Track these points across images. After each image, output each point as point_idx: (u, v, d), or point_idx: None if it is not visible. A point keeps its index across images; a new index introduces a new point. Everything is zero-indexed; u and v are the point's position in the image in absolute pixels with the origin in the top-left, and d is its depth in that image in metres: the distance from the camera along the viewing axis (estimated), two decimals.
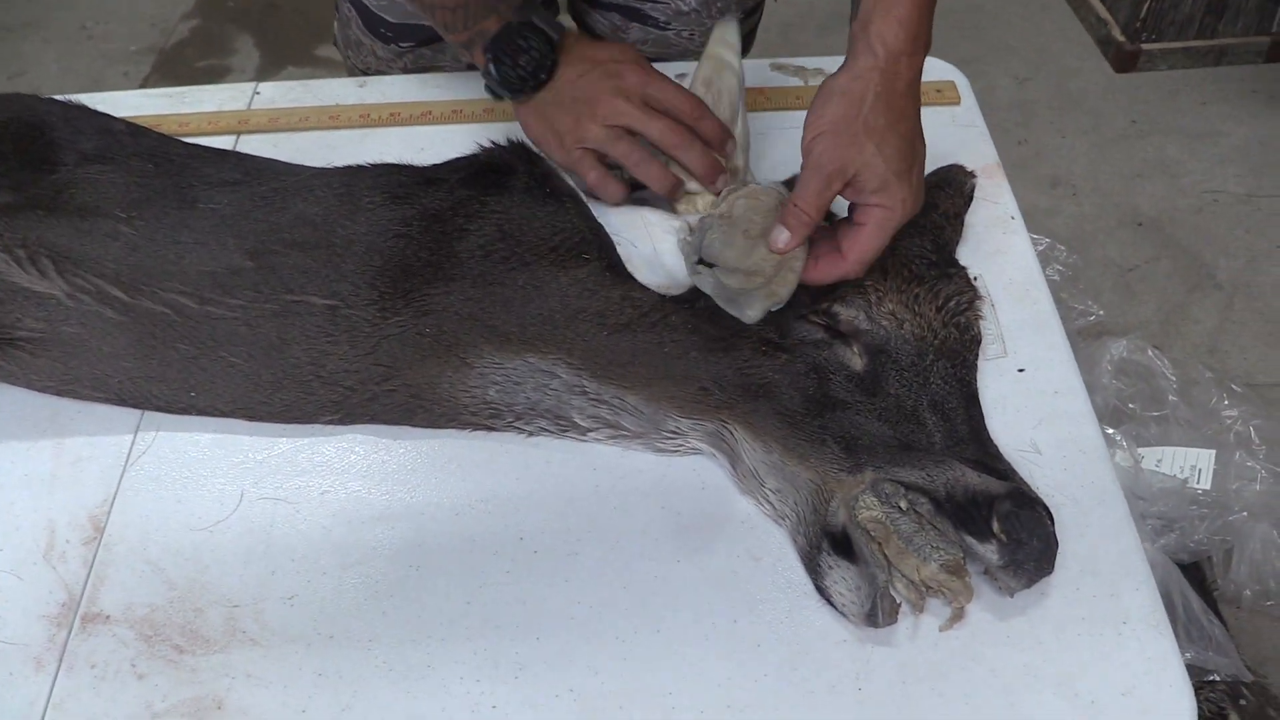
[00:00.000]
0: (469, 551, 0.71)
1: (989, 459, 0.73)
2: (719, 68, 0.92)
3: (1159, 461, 1.39)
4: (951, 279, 0.83)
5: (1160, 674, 0.65)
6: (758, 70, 1.05)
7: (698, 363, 0.78)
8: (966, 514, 0.69)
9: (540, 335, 0.80)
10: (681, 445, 0.76)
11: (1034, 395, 0.79)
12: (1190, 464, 1.38)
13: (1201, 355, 1.96)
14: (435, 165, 0.92)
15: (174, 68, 2.71)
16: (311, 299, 0.82)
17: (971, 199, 0.90)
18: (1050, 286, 0.87)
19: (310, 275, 0.83)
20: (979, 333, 0.80)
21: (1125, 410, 1.57)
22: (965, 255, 0.86)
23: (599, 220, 0.87)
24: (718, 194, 0.89)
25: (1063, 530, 0.69)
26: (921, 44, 0.72)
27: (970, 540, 0.68)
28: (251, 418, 0.79)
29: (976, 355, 0.80)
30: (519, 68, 0.88)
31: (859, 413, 0.76)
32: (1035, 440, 0.76)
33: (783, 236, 0.75)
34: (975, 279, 0.85)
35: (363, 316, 0.81)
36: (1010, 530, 0.68)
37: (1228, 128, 2.40)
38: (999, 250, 0.88)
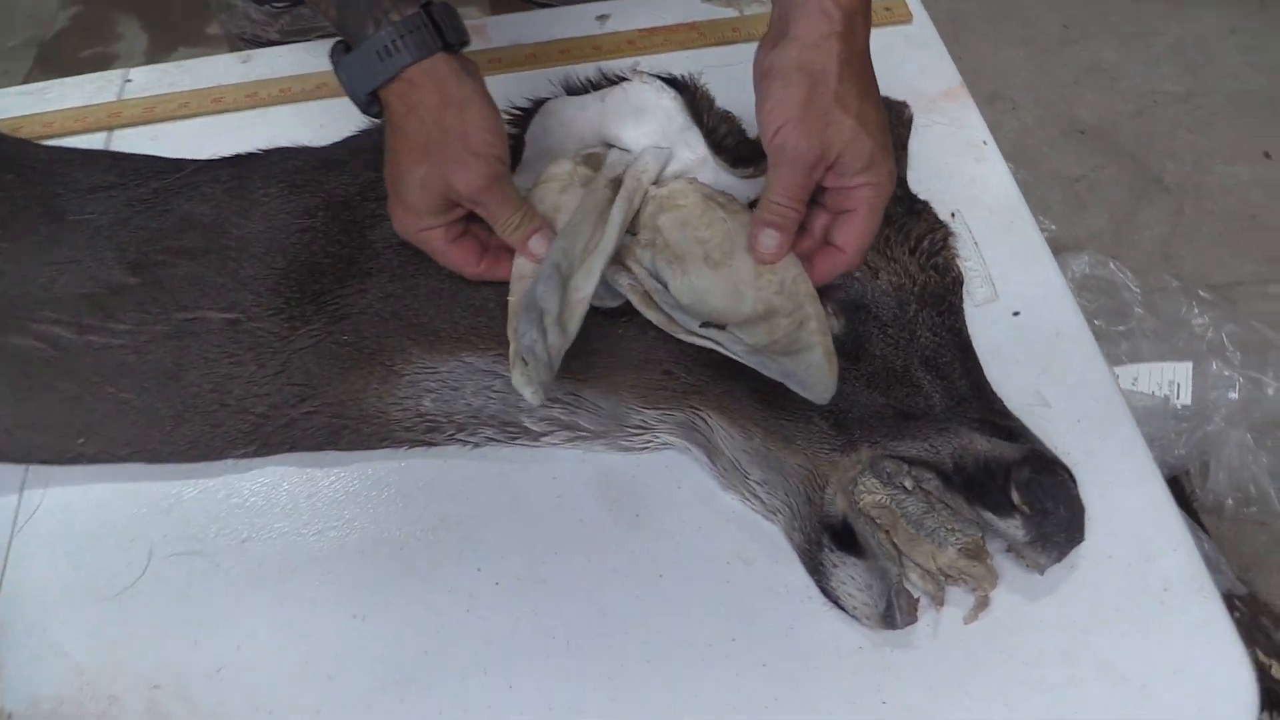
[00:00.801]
0: (421, 591, 0.62)
1: (996, 417, 0.65)
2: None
3: (1135, 380, 1.34)
4: (919, 216, 0.74)
5: (1211, 644, 0.58)
6: (687, 3, 0.95)
7: (658, 344, 0.69)
8: (980, 486, 0.61)
9: (475, 329, 0.70)
10: (650, 441, 0.67)
11: (1033, 340, 0.71)
12: (1168, 379, 1.32)
13: (1156, 262, 1.92)
14: (336, 144, 0.81)
15: (58, 61, 2.51)
16: (208, 314, 0.71)
17: (910, 127, 0.81)
18: None
19: (204, 286, 0.72)
20: (960, 273, 0.72)
21: (1092, 327, 1.51)
22: (938, 189, 0.78)
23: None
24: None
25: (1084, 491, 0.62)
26: None
27: (989, 516, 0.60)
28: (153, 460, 0.68)
29: (962, 299, 0.71)
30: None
31: (845, 380, 0.67)
32: (1041, 391, 0.68)
33: (770, 239, 0.63)
34: (952, 215, 0.77)
35: (269, 329, 0.70)
36: (1033, 500, 0.60)
37: (1160, 26, 2.34)
38: (974, 180, 0.80)
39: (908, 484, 0.62)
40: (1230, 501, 1.51)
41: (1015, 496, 0.61)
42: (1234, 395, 1.36)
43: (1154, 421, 1.32)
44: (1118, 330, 1.54)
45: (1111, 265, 1.53)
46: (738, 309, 0.65)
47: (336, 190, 0.77)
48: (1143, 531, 0.63)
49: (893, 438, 0.64)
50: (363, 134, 0.81)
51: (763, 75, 0.62)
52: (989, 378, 0.68)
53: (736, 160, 0.73)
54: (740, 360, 0.63)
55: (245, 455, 0.68)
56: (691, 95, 0.73)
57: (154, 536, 0.65)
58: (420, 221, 0.66)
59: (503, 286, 0.69)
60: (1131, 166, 2.08)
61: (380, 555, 0.63)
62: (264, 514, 0.65)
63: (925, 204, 0.74)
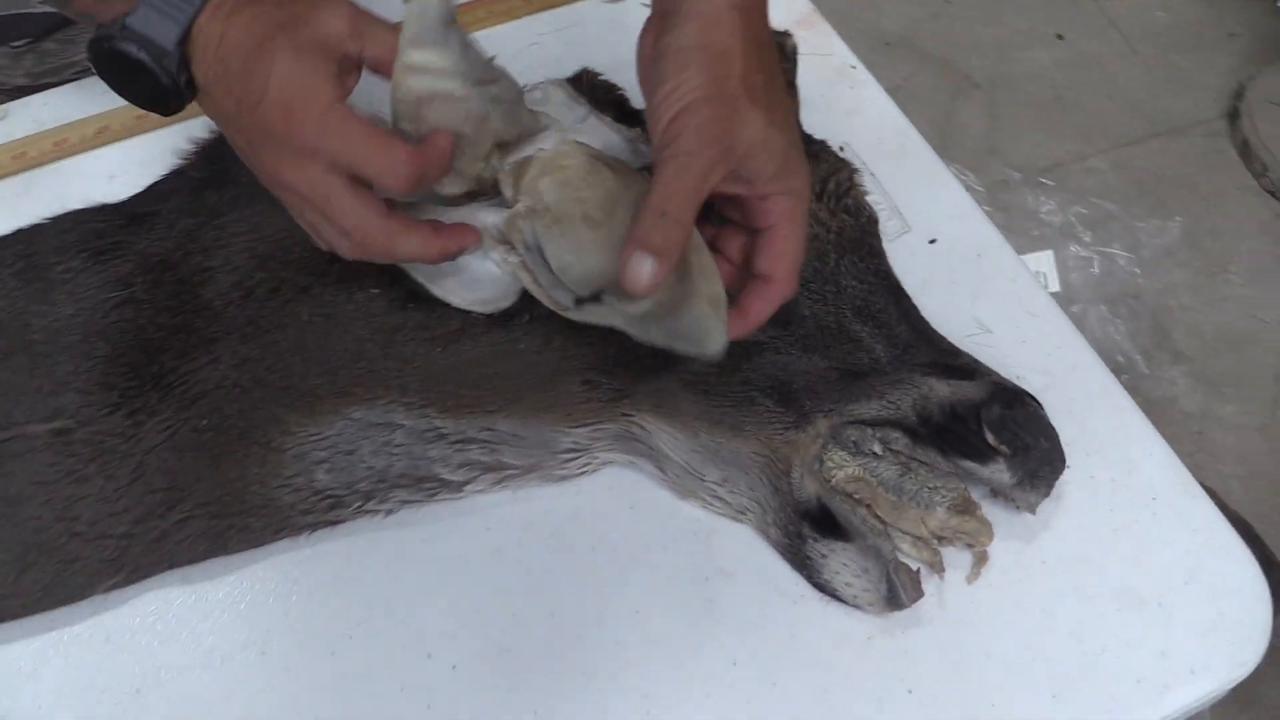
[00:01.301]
0: (368, 699, 0.53)
1: (946, 358, 0.61)
2: (423, 108, 0.58)
3: None
4: (819, 158, 0.69)
5: (1211, 545, 0.56)
6: None
7: (569, 350, 0.61)
8: (952, 435, 0.57)
9: (357, 378, 0.60)
10: (588, 464, 0.59)
11: (957, 266, 0.67)
12: (1033, 270, 1.33)
13: (985, 157, 1.95)
14: (139, 195, 0.69)
15: None
16: (28, 429, 0.59)
17: (796, 60, 0.75)
18: None
19: (15, 396, 0.59)
20: (873, 211, 0.67)
21: None
22: (819, 124, 0.72)
23: None
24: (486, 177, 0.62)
25: (1050, 414, 0.58)
26: None
27: (969, 465, 0.56)
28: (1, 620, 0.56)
29: (880, 238, 0.66)
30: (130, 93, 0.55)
31: (779, 350, 0.61)
32: (978, 317, 0.64)
33: (645, 268, 0.49)
34: (841, 149, 0.72)
35: (109, 431, 0.58)
36: (1010, 438, 0.56)
37: None
38: (853, 109, 0.75)
39: (876, 449, 0.57)
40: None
41: (990, 438, 0.56)
42: (1095, 271, 1.38)
43: None
44: None
45: (951, 170, 1.53)
46: (614, 268, 0.58)
47: (151, 248, 0.66)
48: (1116, 444, 0.60)
49: (846, 401, 0.59)
50: (170, 176, 0.69)
51: (655, 60, 0.52)
52: (925, 315, 0.63)
53: (622, 117, 0.66)
54: (626, 332, 0.57)
55: (115, 587, 0.56)
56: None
57: (19, 716, 0.53)
58: (319, 95, 0.50)
59: (369, 325, 0.60)
60: (941, 69, 2.11)
61: (309, 668, 0.53)
62: (153, 653, 0.54)
63: (822, 143, 0.69)
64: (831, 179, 0.67)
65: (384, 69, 0.54)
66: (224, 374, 0.60)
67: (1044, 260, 1.33)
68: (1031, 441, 0.55)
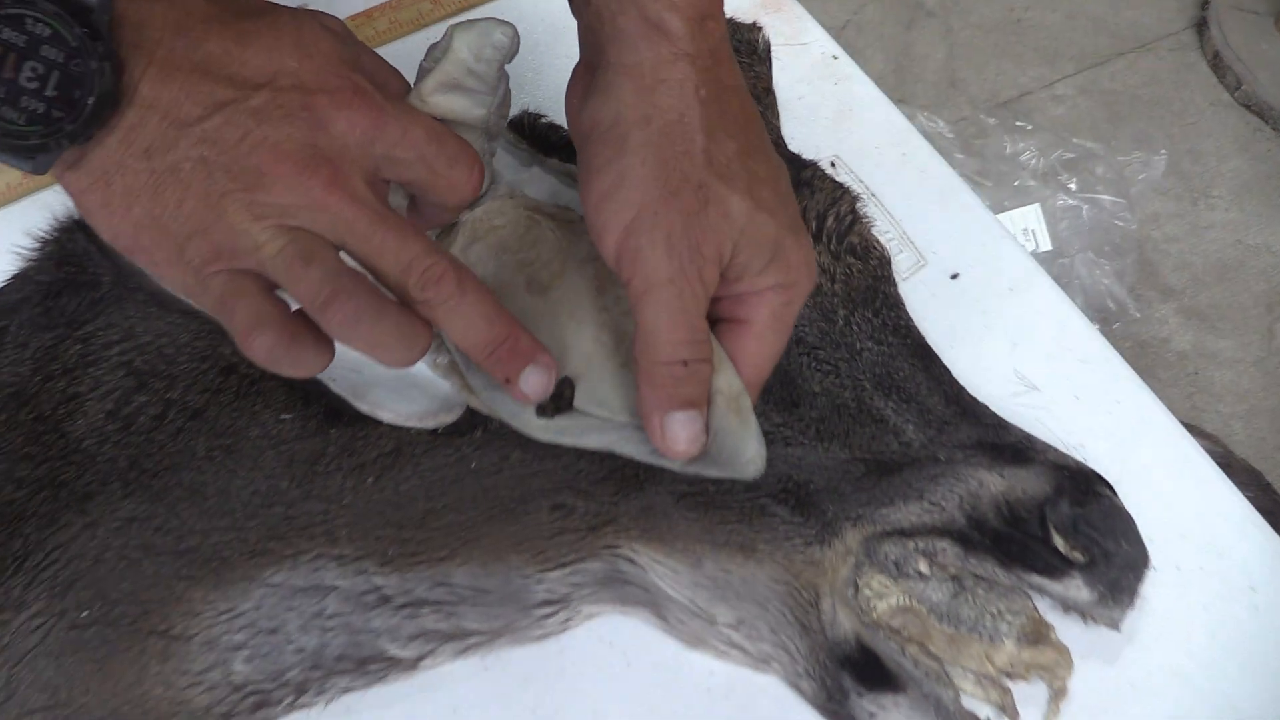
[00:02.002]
0: None
1: (992, 434, 0.50)
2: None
3: None
4: (813, 187, 0.57)
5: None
6: None
7: (531, 468, 0.50)
8: (1012, 542, 0.46)
9: (272, 529, 0.49)
10: (569, 617, 0.48)
11: (987, 305, 0.56)
12: (1021, 227, 1.23)
13: (945, 91, 1.84)
14: None
15: None
16: None
17: (770, 59, 0.63)
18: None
19: None
20: (883, 249, 0.55)
21: None
22: (802, 136, 0.60)
23: None
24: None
25: (1120, 489, 0.48)
26: None
27: (1038, 580, 0.46)
28: None
29: (894, 282, 0.55)
30: (37, 97, 0.35)
31: (789, 441, 0.50)
32: (1020, 370, 0.53)
33: (695, 428, 0.40)
34: (833, 166, 0.60)
35: None
36: (1084, 542, 0.45)
37: None
38: (840, 112, 0.63)
39: (922, 567, 0.47)
40: (1096, 326, 1.47)
41: (1060, 543, 0.46)
42: (1083, 220, 1.28)
43: None
44: None
45: (921, 118, 1.41)
46: (577, 341, 0.46)
47: (1, 377, 0.53)
48: (1203, 522, 0.49)
49: (878, 504, 0.48)
50: (12, 283, 0.55)
51: (583, 139, 0.40)
52: (958, 376, 0.52)
53: (571, 157, 0.54)
54: (612, 451, 0.45)
55: None
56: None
57: None
58: (353, 200, 0.37)
59: (282, 457, 0.48)
60: None
61: None
62: None
63: (814, 167, 0.57)
64: (830, 213, 0.55)
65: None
66: (104, 542, 0.48)
67: (1031, 215, 1.23)
68: (1111, 546, 0.45)
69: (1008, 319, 0.55)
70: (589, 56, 0.41)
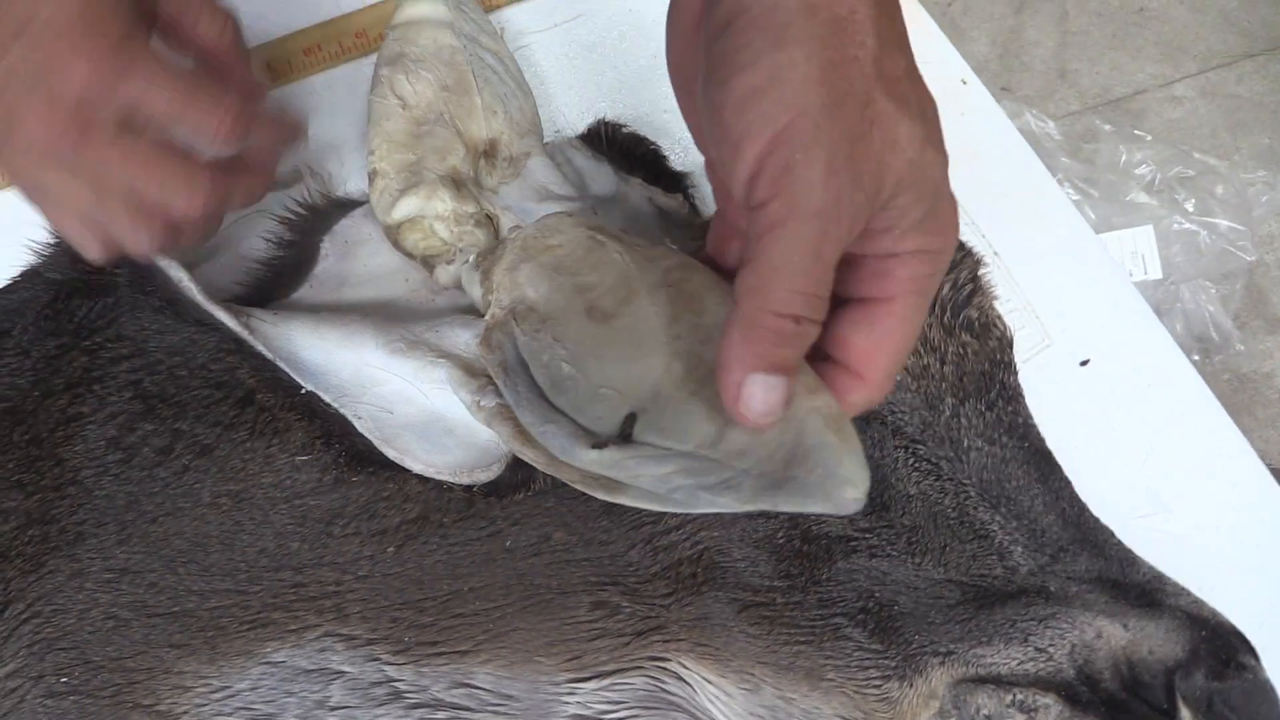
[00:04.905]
0: None
1: (1116, 569, 0.43)
2: (410, 31, 0.52)
3: None
4: None
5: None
6: None
7: (574, 554, 0.43)
8: (1128, 711, 0.39)
9: (277, 596, 0.43)
10: None
11: (1119, 401, 0.48)
12: (1130, 250, 1.13)
13: (1054, 82, 1.71)
14: None
15: None
16: None
17: None
18: None
19: None
20: (1006, 329, 0.47)
21: None
22: None
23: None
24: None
25: (1263, 650, 0.40)
26: None
27: None
28: None
29: (1014, 369, 0.47)
30: None
31: (875, 551, 0.43)
32: (1154, 487, 0.45)
33: (764, 391, 0.32)
34: None
35: None
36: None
37: None
38: (966, 152, 0.54)
39: None
40: (1195, 357, 1.36)
41: (1187, 716, 0.39)
42: (1200, 246, 1.18)
43: None
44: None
45: (1029, 116, 1.31)
46: (644, 372, 0.39)
47: None
48: None
49: (972, 641, 0.41)
50: (21, 280, 0.50)
51: (713, 40, 0.32)
52: (1078, 487, 0.45)
53: (654, 180, 0.48)
54: (669, 490, 0.37)
55: None
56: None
57: None
58: (108, 26, 0.37)
59: (295, 513, 0.42)
60: None
61: None
62: None
63: None
64: (947, 279, 0.47)
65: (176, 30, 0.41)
66: (92, 596, 0.43)
67: (1142, 238, 1.12)
68: None
69: (1143, 421, 0.47)
70: None
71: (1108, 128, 1.28)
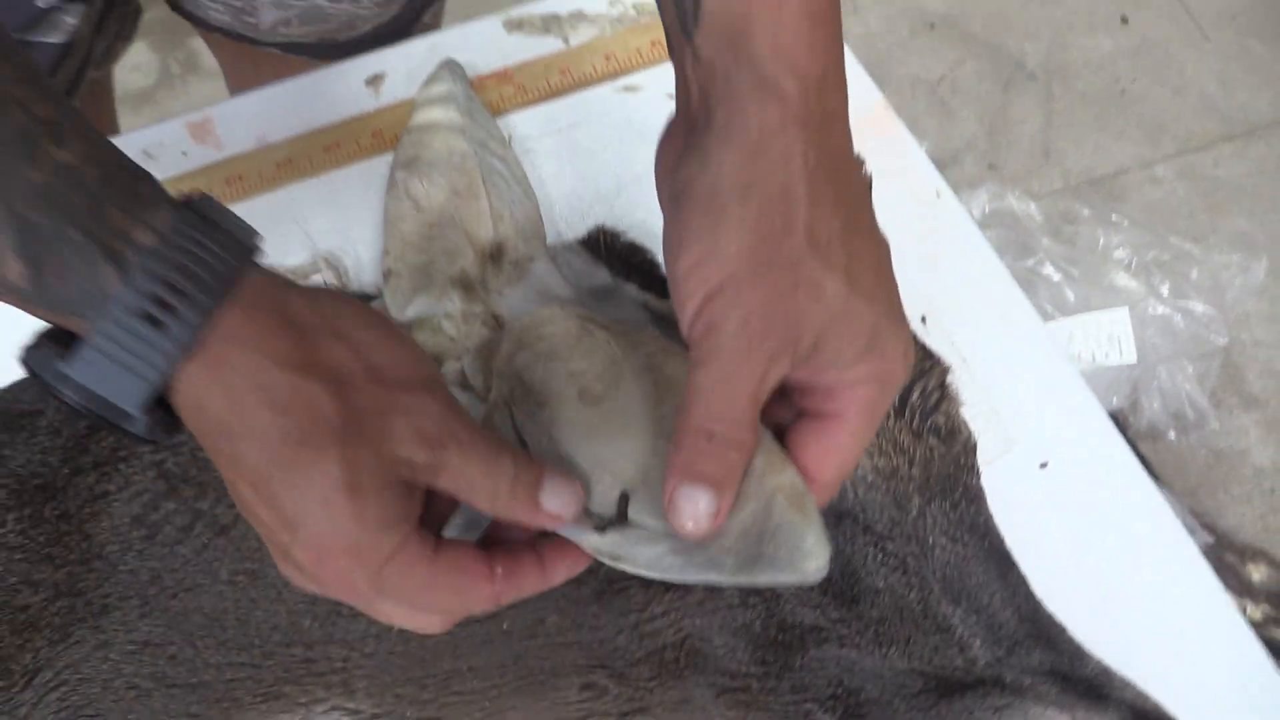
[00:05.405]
0: None
1: (1066, 664, 0.46)
2: (425, 135, 0.57)
3: (1071, 338, 1.18)
4: None
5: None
6: (486, 39, 0.68)
7: (565, 637, 0.46)
8: None
9: (289, 669, 0.46)
10: None
11: (1077, 503, 0.51)
12: (1106, 334, 1.17)
13: (1037, 161, 1.77)
14: (19, 384, 0.53)
15: None
16: None
17: (870, 194, 0.59)
18: None
19: None
20: (971, 434, 0.51)
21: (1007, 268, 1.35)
22: None
23: None
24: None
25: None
26: (841, 43, 0.37)
27: None
28: None
29: (978, 472, 0.51)
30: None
31: (844, 641, 0.46)
32: (1103, 586, 0.49)
33: (700, 505, 0.36)
34: (923, 321, 0.56)
35: None
36: None
37: None
38: (936, 258, 0.58)
39: None
40: (1172, 434, 1.40)
41: None
42: (1174, 329, 1.22)
43: (1102, 380, 1.18)
44: (1025, 266, 1.38)
45: (1011, 199, 1.36)
46: (632, 452, 0.42)
47: (30, 467, 0.51)
48: None
49: None
50: None
51: (675, 199, 0.37)
52: (1034, 584, 0.48)
53: (649, 284, 0.52)
54: (661, 568, 0.40)
55: None
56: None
57: None
58: (374, 553, 0.34)
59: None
60: (991, 56, 1.91)
61: None
62: None
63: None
64: (916, 386, 0.51)
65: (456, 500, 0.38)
66: (116, 666, 0.46)
67: (1119, 320, 1.17)
68: None
69: (1098, 522, 0.50)
70: (690, 112, 0.38)
71: (1086, 211, 1.33)
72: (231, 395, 0.32)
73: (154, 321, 0.32)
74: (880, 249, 0.38)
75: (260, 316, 0.33)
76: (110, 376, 0.32)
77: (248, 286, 0.33)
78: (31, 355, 0.33)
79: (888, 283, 0.37)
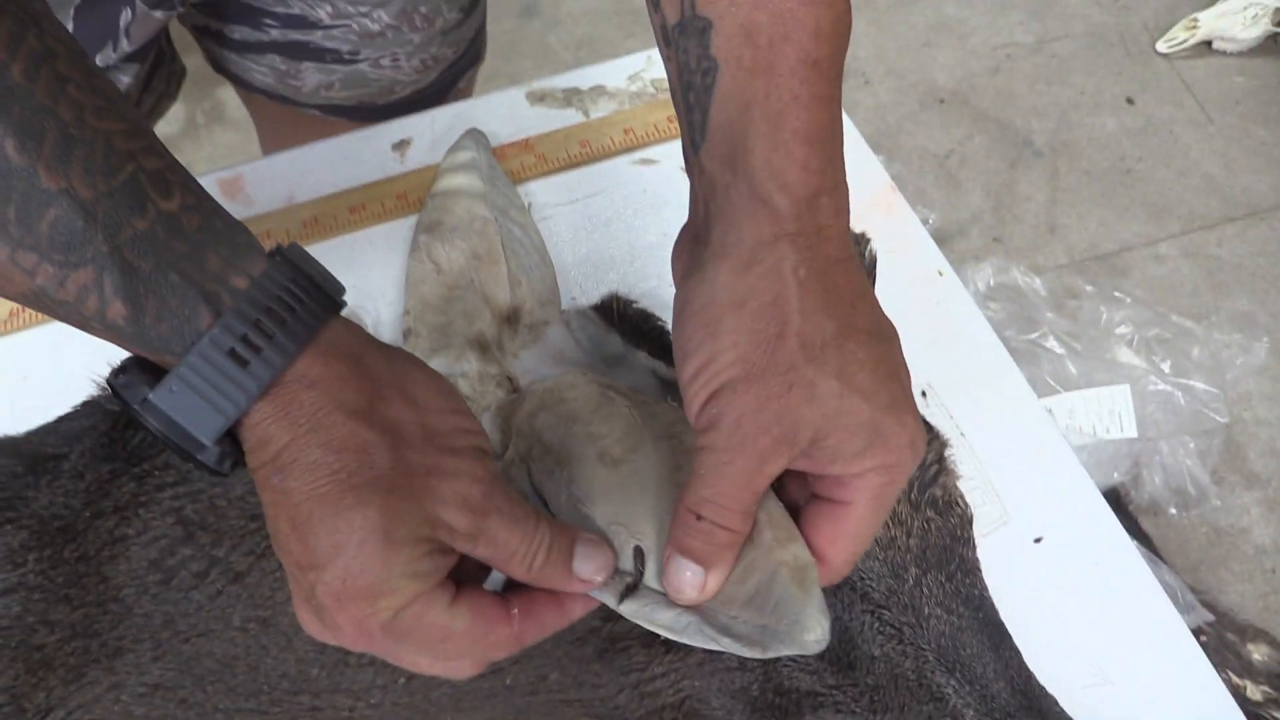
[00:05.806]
0: None
1: None
2: (448, 200, 0.60)
3: (1072, 413, 1.20)
4: None
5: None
6: (510, 109, 0.71)
7: (567, 694, 0.48)
8: None
9: (294, 717, 0.47)
10: None
11: (1070, 578, 0.52)
12: (1107, 409, 1.19)
13: (1043, 237, 1.80)
14: (42, 430, 0.55)
15: None
16: None
17: (875, 272, 0.61)
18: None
19: None
20: (967, 508, 0.53)
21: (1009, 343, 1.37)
22: None
23: None
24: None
25: None
26: (840, 163, 0.40)
27: None
28: None
29: (973, 545, 0.52)
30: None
31: (840, 707, 0.47)
32: (1097, 660, 0.50)
33: (685, 576, 0.39)
34: (924, 395, 0.58)
35: None
36: None
37: None
38: (937, 336, 0.60)
39: None
40: (1173, 510, 1.41)
41: None
42: (1175, 406, 1.23)
43: (1101, 455, 1.19)
44: (1029, 339, 1.40)
45: (1016, 273, 1.38)
46: (649, 512, 0.44)
47: (53, 509, 0.52)
48: None
49: None
50: (82, 410, 0.55)
51: (680, 310, 0.40)
52: (1026, 655, 0.49)
53: (659, 351, 0.54)
54: (676, 631, 0.41)
55: None
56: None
57: None
58: (393, 597, 0.35)
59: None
60: (999, 132, 1.95)
61: None
62: None
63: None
64: None
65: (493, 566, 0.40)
66: (126, 708, 0.47)
67: (1120, 396, 1.18)
68: None
69: (1090, 597, 0.51)
70: (696, 222, 0.41)
71: (1090, 287, 1.35)
72: (294, 432, 0.34)
73: (240, 360, 0.34)
74: (880, 345, 0.39)
75: (336, 364, 0.35)
76: (191, 408, 0.34)
77: (329, 334, 0.36)
78: (119, 380, 0.35)
79: (889, 377, 0.39)
